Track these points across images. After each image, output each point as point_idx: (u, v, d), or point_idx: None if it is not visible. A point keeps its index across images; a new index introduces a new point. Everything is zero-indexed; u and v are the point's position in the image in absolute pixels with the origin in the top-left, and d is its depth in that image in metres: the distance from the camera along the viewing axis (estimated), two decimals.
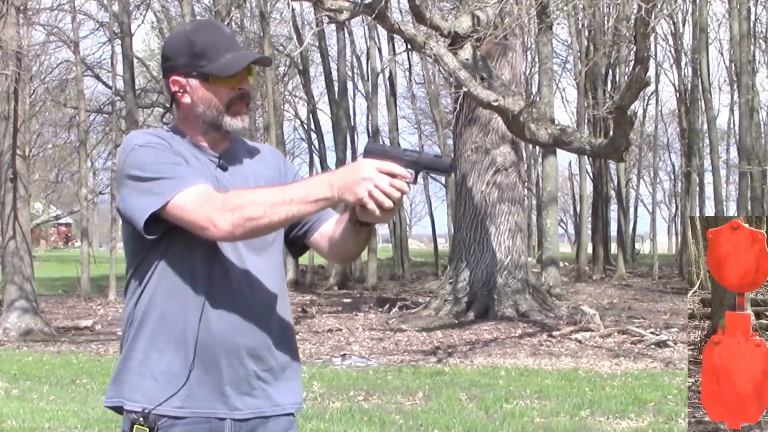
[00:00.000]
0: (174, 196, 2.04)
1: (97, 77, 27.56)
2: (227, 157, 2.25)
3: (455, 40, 12.21)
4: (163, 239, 2.12)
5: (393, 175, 1.98)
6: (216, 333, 2.11)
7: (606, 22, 24.07)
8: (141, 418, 2.10)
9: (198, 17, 21.15)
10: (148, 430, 2.10)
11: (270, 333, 2.18)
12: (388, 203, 1.97)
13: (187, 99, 2.20)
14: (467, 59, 11.68)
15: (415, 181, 2.02)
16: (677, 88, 27.41)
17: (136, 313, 2.17)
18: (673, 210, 41.27)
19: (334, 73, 25.14)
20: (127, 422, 2.13)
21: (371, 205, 1.97)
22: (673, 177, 38.36)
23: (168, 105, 2.36)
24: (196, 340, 2.10)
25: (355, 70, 30.78)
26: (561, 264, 21.45)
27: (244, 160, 2.28)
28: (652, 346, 10.83)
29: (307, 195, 2.00)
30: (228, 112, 2.20)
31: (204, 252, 2.13)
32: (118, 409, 2.16)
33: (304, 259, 24.09)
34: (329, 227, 2.30)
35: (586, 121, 25.37)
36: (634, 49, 11.24)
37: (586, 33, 26.00)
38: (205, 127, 2.22)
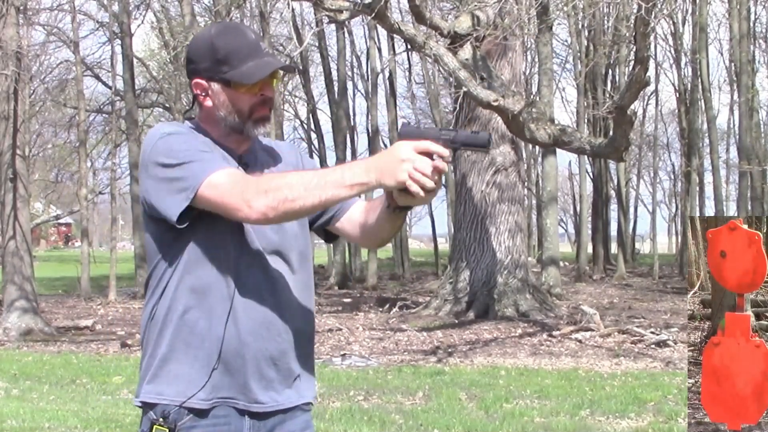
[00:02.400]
0: (206, 177, 2.03)
1: (97, 77, 27.58)
2: (249, 157, 2.26)
3: (455, 40, 12.20)
4: (186, 234, 2.11)
5: (430, 155, 1.94)
6: (242, 335, 2.12)
7: (606, 22, 24.06)
8: (161, 419, 2.11)
9: (198, 17, 21.15)
10: (167, 430, 2.10)
11: (292, 335, 2.20)
12: (430, 184, 1.92)
13: (209, 102, 2.20)
14: (467, 59, 11.67)
15: (452, 159, 1.97)
16: (677, 88, 27.42)
17: (159, 310, 2.16)
18: (673, 210, 41.30)
19: (334, 73, 25.15)
20: (147, 423, 2.14)
21: (414, 188, 1.92)
22: (673, 177, 38.41)
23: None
24: (222, 340, 2.11)
25: (355, 70, 30.82)
26: (561, 264, 21.44)
27: (264, 160, 2.29)
28: (652, 346, 10.83)
29: (342, 179, 1.95)
30: (250, 119, 2.20)
31: (229, 250, 2.14)
32: (148, 406, 2.16)
33: None
34: (357, 213, 2.29)
35: (586, 121, 25.36)
36: (634, 49, 11.24)
37: (586, 33, 26.00)
38: (227, 130, 2.21)
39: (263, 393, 2.15)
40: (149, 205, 2.13)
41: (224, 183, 2.02)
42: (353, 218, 2.29)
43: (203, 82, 2.19)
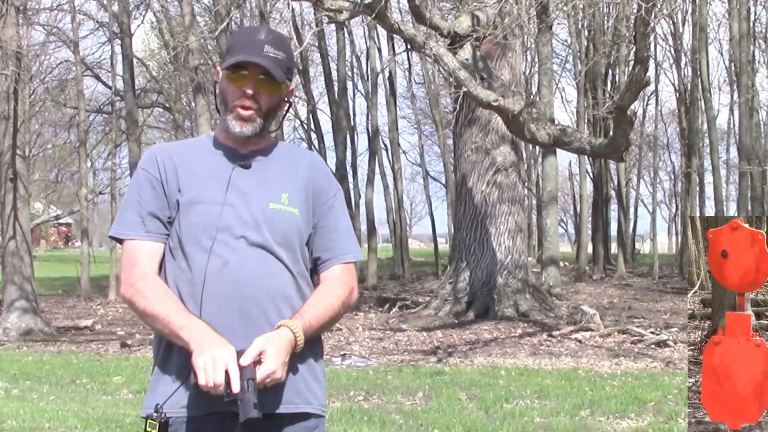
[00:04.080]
0: (124, 239, 2.28)
1: (97, 77, 27.56)
2: (255, 157, 2.30)
3: (455, 40, 12.20)
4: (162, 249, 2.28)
5: (228, 376, 2.02)
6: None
7: (606, 22, 24.06)
8: (154, 413, 2.14)
9: (198, 17, 21.16)
10: (158, 425, 2.12)
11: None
12: (206, 383, 2.02)
13: (218, 89, 2.33)
14: (467, 59, 11.67)
15: (227, 396, 2.03)
16: (677, 88, 27.42)
17: None
18: (673, 210, 41.30)
19: (334, 73, 25.15)
20: (143, 423, 2.17)
21: (201, 378, 2.03)
22: (673, 177, 38.39)
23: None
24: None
25: (355, 70, 30.83)
26: (561, 264, 21.44)
27: (273, 165, 2.32)
28: (652, 346, 10.83)
29: (179, 330, 2.10)
30: (231, 113, 2.27)
31: (199, 250, 2.19)
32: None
33: None
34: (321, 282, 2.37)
35: (586, 121, 25.37)
36: (634, 49, 11.24)
37: (586, 33, 26.00)
38: (224, 124, 2.30)
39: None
40: None
41: (125, 259, 2.27)
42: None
43: (219, 69, 2.32)
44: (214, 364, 2.01)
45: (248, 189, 2.25)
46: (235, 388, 2.01)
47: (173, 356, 2.19)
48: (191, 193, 2.24)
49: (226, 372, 2.02)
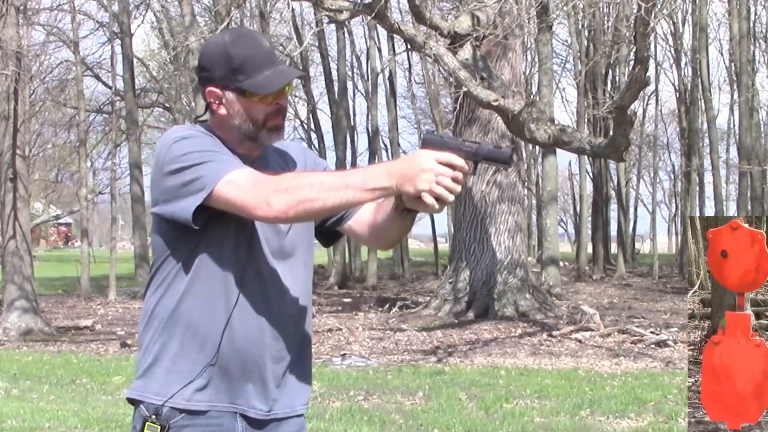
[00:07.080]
0: (223, 175, 2.01)
1: (97, 77, 27.59)
2: (261, 162, 2.24)
3: (455, 40, 12.20)
4: (199, 237, 2.10)
5: (453, 167, 1.93)
6: (239, 339, 2.12)
7: (606, 22, 24.07)
8: (153, 416, 2.10)
9: (198, 17, 21.15)
10: (159, 428, 2.09)
11: (292, 342, 2.20)
12: (449, 197, 1.92)
13: (222, 111, 2.17)
14: (467, 59, 11.66)
15: (473, 173, 1.96)
16: (677, 87, 27.43)
17: (160, 308, 2.16)
18: (673, 210, 41.30)
19: (334, 73, 25.14)
20: (139, 420, 2.13)
21: (429, 200, 1.92)
22: (673, 177, 38.42)
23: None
24: (219, 344, 2.11)
25: (355, 70, 30.81)
26: (561, 264, 21.43)
27: (276, 162, 2.28)
28: (652, 346, 10.83)
29: (364, 182, 1.95)
30: (265, 127, 2.18)
31: (236, 255, 2.13)
32: (135, 402, 2.16)
33: None
34: (366, 213, 2.26)
35: (586, 121, 25.36)
36: (634, 49, 11.25)
37: (586, 33, 26.01)
38: (240, 137, 2.19)
39: (260, 400, 2.15)
40: (165, 208, 2.10)
41: (243, 181, 2.01)
42: (362, 219, 2.28)
43: (217, 90, 2.16)
44: (432, 165, 1.92)
45: None
46: (459, 161, 1.93)
47: (195, 343, 2.11)
48: None
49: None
